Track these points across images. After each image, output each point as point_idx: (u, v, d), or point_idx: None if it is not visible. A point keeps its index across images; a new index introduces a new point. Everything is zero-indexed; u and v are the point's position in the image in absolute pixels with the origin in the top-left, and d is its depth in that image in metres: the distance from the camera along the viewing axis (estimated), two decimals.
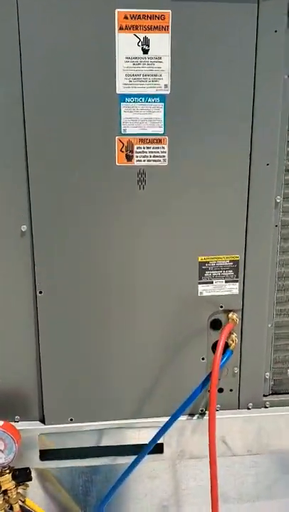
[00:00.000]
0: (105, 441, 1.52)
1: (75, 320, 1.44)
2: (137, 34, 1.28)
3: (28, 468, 1.44)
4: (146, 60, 1.30)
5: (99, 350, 1.46)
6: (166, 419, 1.47)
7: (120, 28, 1.28)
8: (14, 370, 1.46)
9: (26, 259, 1.39)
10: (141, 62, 1.30)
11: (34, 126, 1.31)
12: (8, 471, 1.42)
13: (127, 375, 1.49)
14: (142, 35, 1.29)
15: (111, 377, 1.49)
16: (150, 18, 1.27)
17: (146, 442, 1.48)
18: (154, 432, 1.47)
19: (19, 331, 1.44)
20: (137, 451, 1.49)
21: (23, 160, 1.33)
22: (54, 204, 1.36)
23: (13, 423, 1.45)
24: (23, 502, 1.46)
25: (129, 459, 1.51)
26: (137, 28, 1.28)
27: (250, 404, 1.55)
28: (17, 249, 1.39)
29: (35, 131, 1.32)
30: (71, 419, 1.49)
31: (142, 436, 1.52)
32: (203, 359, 1.50)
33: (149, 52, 1.30)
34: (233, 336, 1.46)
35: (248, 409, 1.56)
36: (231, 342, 1.45)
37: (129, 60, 1.30)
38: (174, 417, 1.44)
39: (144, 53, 1.30)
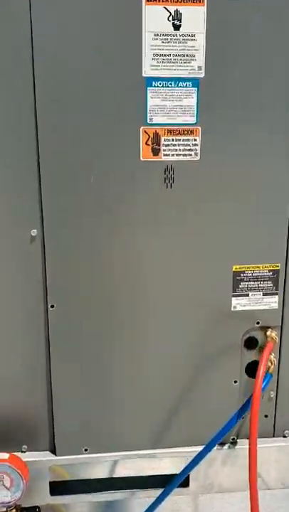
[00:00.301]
0: (123, 473, 1.35)
1: (91, 338, 1.27)
2: (167, 7, 1.11)
3: (37, 507, 1.29)
4: (178, 37, 1.12)
5: (117, 372, 1.29)
6: (191, 448, 1.31)
7: (148, 0, 1.10)
8: (21, 395, 1.29)
9: (36, 269, 1.22)
10: (171, 39, 1.12)
11: (46, 116, 1.14)
12: (14, 510, 1.26)
13: (148, 400, 1.32)
14: (172, 8, 1.11)
15: (130, 403, 1.32)
16: None
17: (168, 473, 1.32)
18: (176, 463, 1.32)
19: (27, 350, 1.27)
20: (158, 483, 1.34)
21: (34, 152, 1.15)
22: (69, 205, 1.19)
23: (19, 454, 1.29)
24: None
25: (149, 493, 1.35)
26: (167, 0, 1.10)
27: (287, 431, 1.39)
28: (26, 256, 1.21)
29: (48, 122, 1.14)
30: (86, 450, 1.32)
31: (163, 466, 1.36)
32: (235, 382, 1.33)
33: (180, 29, 1.12)
34: (272, 356, 1.29)
35: (284, 436, 1.40)
36: (270, 364, 1.28)
37: (158, 37, 1.12)
38: (208, 448, 1.29)
39: (175, 29, 1.12)
